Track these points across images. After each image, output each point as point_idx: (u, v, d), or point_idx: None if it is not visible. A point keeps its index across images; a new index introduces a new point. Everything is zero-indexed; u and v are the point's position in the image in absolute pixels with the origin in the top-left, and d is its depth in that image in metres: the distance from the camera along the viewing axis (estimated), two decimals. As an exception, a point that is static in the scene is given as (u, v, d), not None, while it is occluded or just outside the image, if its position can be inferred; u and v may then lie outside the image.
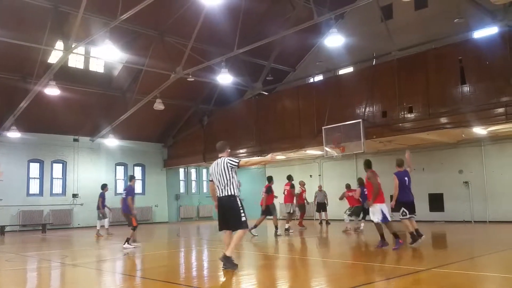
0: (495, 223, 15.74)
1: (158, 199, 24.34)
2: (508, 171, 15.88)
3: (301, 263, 8.35)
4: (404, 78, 15.12)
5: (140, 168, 24.30)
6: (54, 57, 17.32)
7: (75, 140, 21.59)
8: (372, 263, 7.61)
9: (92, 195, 16.56)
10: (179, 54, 16.80)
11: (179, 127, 24.32)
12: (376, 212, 8.72)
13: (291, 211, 14.43)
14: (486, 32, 15.24)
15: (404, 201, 8.96)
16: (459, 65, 13.85)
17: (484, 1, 14.13)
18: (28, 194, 20.15)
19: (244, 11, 15.67)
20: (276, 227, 13.00)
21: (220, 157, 7.01)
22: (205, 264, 8.56)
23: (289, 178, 14.85)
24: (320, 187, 18.70)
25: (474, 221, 16.40)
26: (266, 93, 21.20)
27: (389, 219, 8.78)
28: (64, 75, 17.68)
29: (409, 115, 14.93)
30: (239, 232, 6.71)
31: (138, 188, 24.09)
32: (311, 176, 21.36)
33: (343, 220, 14.56)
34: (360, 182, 13.07)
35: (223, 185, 6.78)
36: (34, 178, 20.64)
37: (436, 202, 17.58)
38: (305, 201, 16.96)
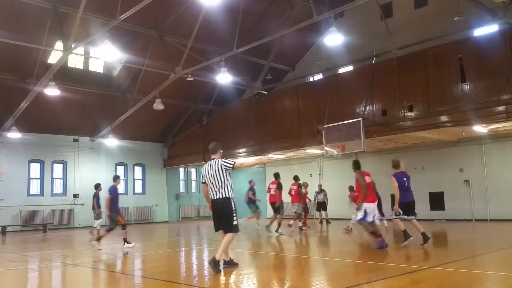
0: (496, 221, 15.73)
1: (158, 199, 24.36)
2: (508, 169, 15.86)
3: (301, 262, 8.34)
4: (404, 77, 15.10)
5: (140, 168, 24.31)
6: (53, 57, 17.32)
7: (75, 140, 21.60)
8: (373, 261, 7.60)
9: (93, 195, 16.51)
10: (179, 53, 16.78)
11: (179, 127, 24.32)
12: (361, 210, 8.61)
13: (299, 211, 14.52)
14: (486, 30, 15.21)
15: (401, 202, 8.81)
16: (459, 63, 13.84)
17: (484, -1, 14.13)
18: (29, 194, 20.18)
19: (243, 10, 15.67)
20: (279, 226, 12.99)
21: (213, 158, 6.83)
22: (206, 264, 8.53)
23: (296, 178, 14.87)
24: (320, 186, 18.70)
25: (475, 220, 16.39)
26: (266, 93, 21.19)
27: (368, 220, 8.58)
28: (63, 75, 17.67)
29: (409, 114, 14.92)
30: (229, 235, 6.60)
31: (138, 188, 24.15)
32: (311, 175, 21.35)
33: (351, 219, 14.26)
34: None
35: (217, 187, 6.61)
36: (35, 178, 20.65)
37: (437, 200, 17.57)
38: (307, 200, 16.96)
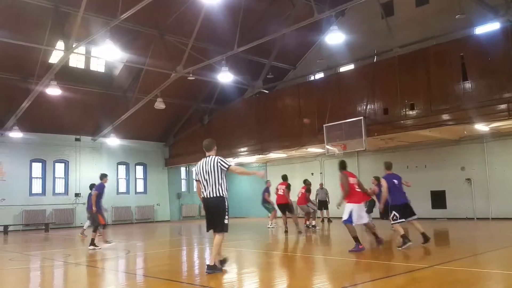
0: (498, 220, 15.70)
1: (160, 198, 24.39)
2: (510, 168, 15.82)
3: (302, 261, 8.35)
4: (405, 75, 15.08)
5: (141, 167, 24.33)
6: (55, 57, 17.33)
7: (76, 139, 21.63)
8: (375, 260, 7.60)
9: (88, 195, 16.52)
10: (180, 53, 16.79)
11: (180, 126, 24.33)
12: (346, 211, 8.53)
13: (311, 210, 14.80)
14: (488, 28, 15.17)
15: (394, 204, 8.78)
16: (461, 61, 13.80)
17: (485, -3, 14.09)
18: (30, 194, 20.23)
19: (244, 9, 15.65)
20: (298, 224, 13.08)
21: (208, 156, 6.64)
22: (207, 262, 8.54)
23: (305, 182, 15.11)
24: (321, 185, 18.69)
25: (477, 218, 16.37)
26: (267, 92, 21.18)
27: (353, 222, 8.45)
28: (65, 75, 17.70)
29: (410, 112, 14.90)
30: (217, 238, 6.40)
31: (140, 187, 24.18)
32: (312, 174, 21.34)
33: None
34: (377, 179, 12.95)
35: (211, 184, 6.40)
36: (37, 177, 20.69)
37: (438, 199, 17.55)
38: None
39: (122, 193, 23.27)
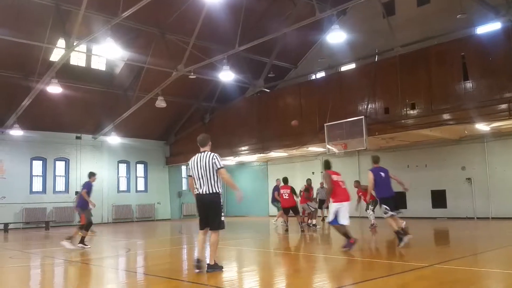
0: (498, 219, 15.70)
1: (161, 197, 24.40)
2: (511, 167, 15.81)
3: (302, 260, 8.35)
4: (406, 75, 15.07)
5: (142, 165, 24.35)
6: (56, 55, 17.32)
7: (77, 137, 21.64)
8: (374, 259, 7.61)
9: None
10: (181, 51, 16.78)
11: (181, 125, 24.32)
12: (331, 212, 8.47)
13: (313, 209, 15.10)
14: (489, 27, 15.14)
15: (382, 197, 8.77)
16: (462, 61, 13.79)
17: (487, -3, 14.06)
18: (31, 192, 20.26)
19: (245, 8, 15.63)
20: (287, 224, 13.74)
21: (203, 151, 6.54)
22: (208, 261, 8.55)
23: (307, 181, 15.67)
24: (322, 184, 18.65)
25: (477, 218, 16.37)
26: (268, 90, 21.17)
27: (339, 223, 8.36)
28: (66, 73, 17.71)
29: (411, 112, 14.90)
30: (213, 237, 6.32)
31: (140, 185, 24.20)
32: (313, 173, 21.30)
33: (368, 217, 14.13)
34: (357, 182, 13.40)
35: (206, 180, 6.27)
36: (37, 175, 20.71)
37: (439, 198, 17.54)
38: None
39: (123, 191, 23.28)
